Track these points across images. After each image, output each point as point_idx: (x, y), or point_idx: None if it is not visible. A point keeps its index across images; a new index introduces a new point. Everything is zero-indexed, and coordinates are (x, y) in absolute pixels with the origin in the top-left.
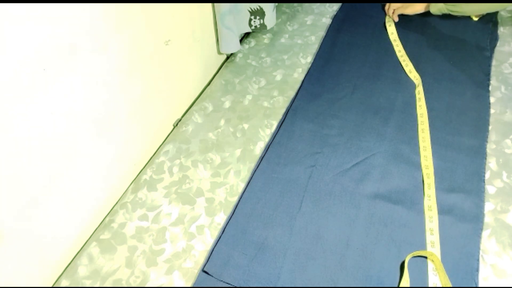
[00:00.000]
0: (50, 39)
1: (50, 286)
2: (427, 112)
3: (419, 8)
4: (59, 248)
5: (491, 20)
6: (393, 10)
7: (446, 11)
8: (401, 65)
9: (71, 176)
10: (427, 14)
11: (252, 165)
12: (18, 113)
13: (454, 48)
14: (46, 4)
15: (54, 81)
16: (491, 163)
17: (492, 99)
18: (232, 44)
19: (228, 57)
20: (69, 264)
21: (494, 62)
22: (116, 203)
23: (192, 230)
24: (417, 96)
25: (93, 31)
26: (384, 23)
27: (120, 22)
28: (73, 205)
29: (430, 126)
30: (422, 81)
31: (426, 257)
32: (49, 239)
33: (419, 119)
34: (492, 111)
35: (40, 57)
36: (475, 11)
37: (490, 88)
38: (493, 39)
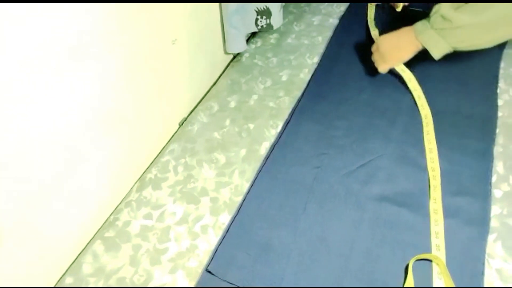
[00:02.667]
0: (57, 38)
1: (55, 283)
2: (434, 114)
3: (407, 55)
4: (64, 245)
5: None
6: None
7: (451, 50)
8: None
9: (76, 174)
10: None
11: (257, 165)
12: (21, 111)
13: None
14: (56, 4)
15: (60, 80)
16: (498, 167)
17: (500, 102)
18: (238, 44)
19: (234, 57)
20: (74, 261)
21: (502, 65)
22: (121, 201)
23: (196, 229)
24: (415, 94)
25: (99, 30)
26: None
27: (126, 21)
28: (78, 203)
29: (436, 128)
30: (428, 83)
31: (431, 260)
32: (54, 236)
33: (424, 121)
34: (499, 114)
35: (47, 56)
36: (486, 40)
37: (498, 90)
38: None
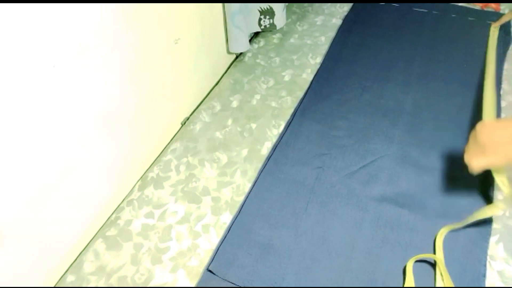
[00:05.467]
0: (60, 36)
1: (56, 281)
2: (437, 115)
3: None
4: (66, 244)
5: (503, 25)
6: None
7: None
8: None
9: (79, 173)
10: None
11: (259, 165)
12: (25, 109)
13: (466, 52)
14: (61, 4)
15: (64, 78)
16: None
17: (503, 103)
18: (241, 44)
19: (237, 57)
20: (75, 260)
21: (506, 66)
22: (123, 200)
23: (198, 228)
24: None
25: (103, 30)
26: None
27: (130, 21)
28: (80, 201)
29: (439, 128)
30: (434, 85)
31: (431, 261)
32: (55, 235)
33: None
34: (503, 115)
35: (50, 54)
36: None
37: (502, 92)
38: (506, 43)
